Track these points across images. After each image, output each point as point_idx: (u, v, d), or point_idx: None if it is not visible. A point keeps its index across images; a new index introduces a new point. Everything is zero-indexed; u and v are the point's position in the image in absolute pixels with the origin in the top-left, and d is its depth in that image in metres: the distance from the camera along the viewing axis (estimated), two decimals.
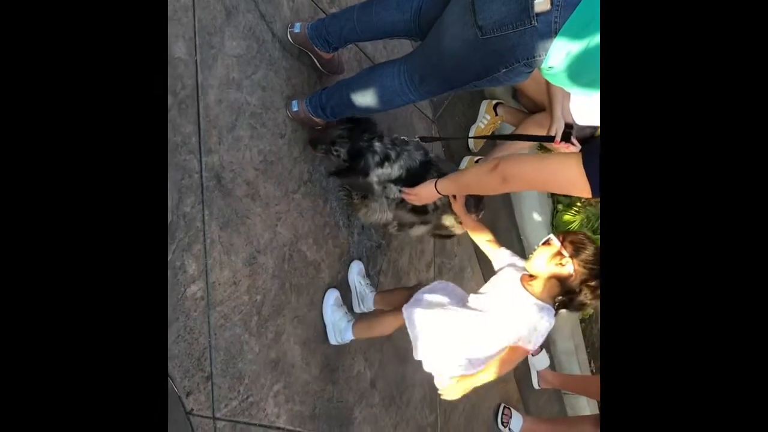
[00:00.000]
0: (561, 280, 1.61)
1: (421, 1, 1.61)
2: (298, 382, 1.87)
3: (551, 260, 1.61)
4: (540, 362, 3.17)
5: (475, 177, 1.61)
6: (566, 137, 1.91)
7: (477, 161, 2.84)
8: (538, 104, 2.56)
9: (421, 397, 2.55)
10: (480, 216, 2.04)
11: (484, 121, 2.91)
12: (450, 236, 2.28)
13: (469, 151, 2.97)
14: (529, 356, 3.10)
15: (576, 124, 1.92)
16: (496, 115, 2.88)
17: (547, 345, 3.33)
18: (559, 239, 1.63)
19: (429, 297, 1.79)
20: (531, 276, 1.69)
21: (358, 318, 2.03)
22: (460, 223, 2.03)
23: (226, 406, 1.62)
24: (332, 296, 2.01)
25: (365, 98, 1.69)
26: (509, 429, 2.97)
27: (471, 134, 2.96)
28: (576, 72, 1.30)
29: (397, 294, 2.06)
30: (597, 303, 1.62)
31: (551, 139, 1.94)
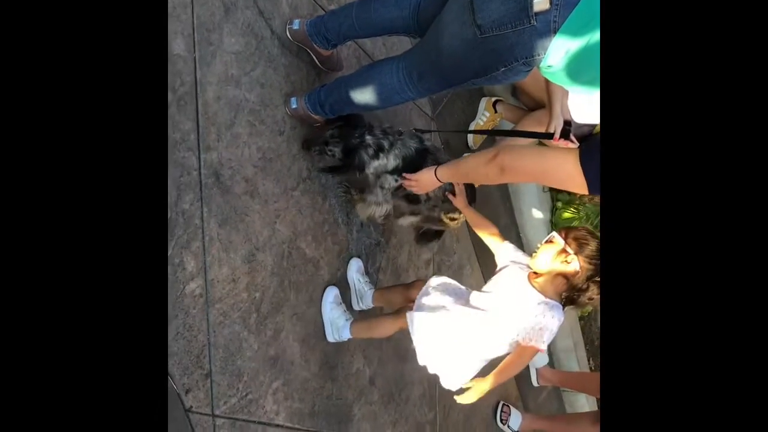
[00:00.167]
0: (567, 278, 1.61)
1: None
2: (297, 380, 1.87)
3: (556, 258, 1.61)
4: (539, 359, 3.17)
5: (474, 165, 1.61)
6: (565, 134, 1.92)
7: None
8: (537, 101, 2.56)
9: (420, 394, 2.55)
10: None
11: (484, 118, 2.91)
12: (439, 232, 2.27)
13: (468, 149, 2.97)
14: None
15: (574, 122, 1.92)
16: (496, 112, 2.87)
17: None
18: (561, 236, 1.62)
19: (431, 301, 1.77)
20: (536, 274, 1.68)
21: (357, 318, 2.03)
22: (453, 220, 2.02)
23: (225, 404, 1.62)
24: (331, 294, 2.01)
25: (364, 96, 1.69)
26: (508, 426, 2.98)
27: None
28: (575, 70, 1.30)
29: (396, 291, 2.06)
30: None
31: (550, 136, 1.94)
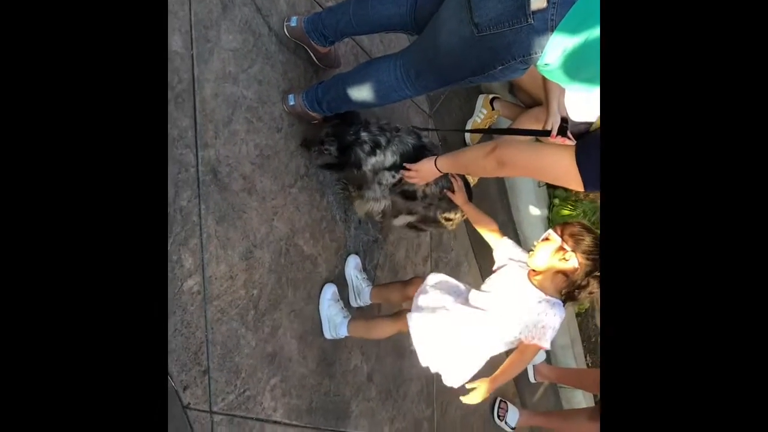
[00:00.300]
0: (567, 275, 1.61)
1: None
2: (295, 376, 1.88)
3: (554, 255, 1.61)
4: (536, 356, 3.18)
5: (473, 158, 1.62)
6: (562, 131, 1.92)
7: None
8: (534, 99, 2.56)
9: (417, 390, 2.56)
10: None
11: (481, 115, 2.91)
12: (434, 225, 2.25)
13: (465, 146, 2.97)
14: None
15: (571, 120, 1.93)
16: (493, 109, 2.88)
17: None
18: (557, 233, 1.63)
19: (430, 300, 1.77)
20: (535, 272, 1.68)
21: (356, 316, 2.03)
22: (449, 220, 2.03)
23: (223, 400, 1.62)
24: (329, 291, 2.02)
25: (361, 93, 1.69)
26: (505, 422, 2.99)
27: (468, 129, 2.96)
28: (573, 68, 1.30)
29: (394, 288, 2.07)
30: None
31: (547, 133, 1.94)
